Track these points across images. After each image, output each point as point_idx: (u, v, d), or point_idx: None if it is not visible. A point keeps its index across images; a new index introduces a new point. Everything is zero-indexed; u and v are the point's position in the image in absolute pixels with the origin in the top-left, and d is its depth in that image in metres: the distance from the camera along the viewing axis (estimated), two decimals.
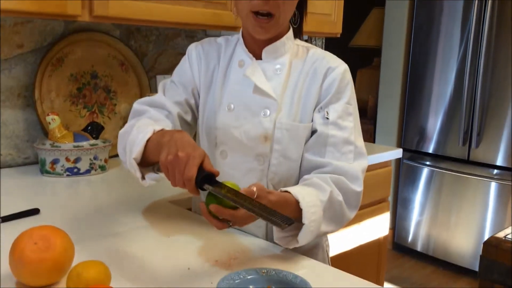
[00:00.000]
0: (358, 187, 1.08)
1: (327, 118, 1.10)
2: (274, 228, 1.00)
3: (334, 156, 1.09)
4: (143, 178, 1.02)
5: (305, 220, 0.96)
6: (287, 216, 0.85)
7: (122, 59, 1.92)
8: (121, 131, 1.11)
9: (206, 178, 0.88)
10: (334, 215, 1.05)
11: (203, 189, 0.89)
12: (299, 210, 0.96)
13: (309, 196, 0.98)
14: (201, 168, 0.88)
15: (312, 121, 1.13)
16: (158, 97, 1.20)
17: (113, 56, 1.90)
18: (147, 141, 0.99)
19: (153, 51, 2.03)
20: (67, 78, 1.78)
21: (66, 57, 1.77)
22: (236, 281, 0.85)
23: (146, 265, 0.97)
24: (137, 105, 1.19)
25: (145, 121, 1.08)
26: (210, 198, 0.90)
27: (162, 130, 1.01)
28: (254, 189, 0.89)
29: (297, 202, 0.97)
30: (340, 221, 1.08)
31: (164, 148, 0.90)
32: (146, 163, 1.03)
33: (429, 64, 3.24)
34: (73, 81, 1.80)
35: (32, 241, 0.83)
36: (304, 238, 0.98)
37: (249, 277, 0.87)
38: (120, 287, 0.78)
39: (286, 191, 0.99)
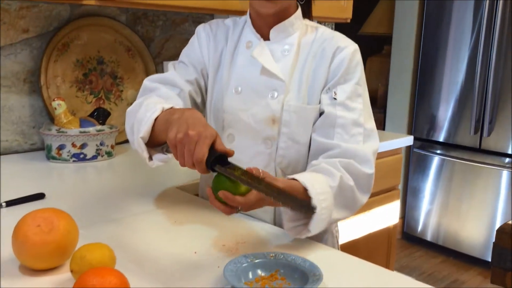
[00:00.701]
0: (369, 169, 1.04)
1: (335, 99, 1.07)
2: (284, 218, 0.96)
3: (343, 138, 1.05)
4: (150, 159, 0.97)
5: (315, 208, 0.91)
6: (305, 200, 0.80)
7: (129, 45, 1.90)
8: (129, 109, 1.06)
9: (217, 159, 0.83)
10: (346, 201, 1.01)
11: (215, 171, 0.84)
12: (308, 199, 0.92)
13: (318, 183, 0.94)
14: (212, 148, 0.83)
15: (319, 102, 1.10)
16: (170, 74, 1.15)
17: (120, 42, 1.88)
18: (156, 119, 0.94)
19: (160, 36, 2.00)
20: (73, 63, 1.76)
21: (72, 42, 1.75)
22: (244, 265, 0.83)
23: (152, 249, 0.95)
24: (148, 82, 1.14)
25: (154, 99, 1.03)
26: (217, 183, 0.85)
27: (171, 108, 0.96)
28: (260, 170, 0.86)
29: (305, 190, 0.92)
30: (352, 207, 1.04)
31: (174, 126, 0.85)
32: (155, 143, 0.98)
33: (441, 52, 3.18)
34: (79, 67, 1.78)
35: (35, 224, 0.82)
36: (316, 227, 0.93)
37: (256, 260, 0.85)
38: (124, 270, 0.76)
39: (293, 179, 0.94)
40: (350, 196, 1.02)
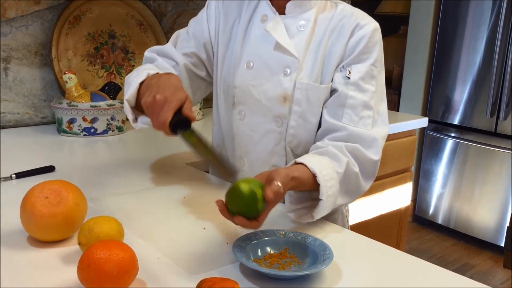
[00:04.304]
0: (375, 156, 1.01)
1: (348, 78, 1.03)
2: (286, 201, 0.95)
3: (352, 120, 1.02)
4: (135, 120, 1.02)
5: (322, 196, 0.90)
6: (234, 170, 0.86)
7: (141, 19, 1.88)
8: (127, 76, 1.09)
9: (181, 123, 0.87)
10: (350, 187, 0.99)
11: (178, 134, 0.88)
12: (316, 184, 0.90)
13: (326, 169, 0.91)
14: (178, 112, 0.87)
15: (332, 81, 1.06)
16: (166, 47, 1.17)
17: (132, 16, 1.85)
18: (142, 84, 0.98)
19: (172, 11, 1.97)
20: (85, 37, 1.74)
21: (84, 15, 1.73)
22: (253, 242, 0.82)
23: (161, 224, 0.94)
24: (148, 52, 1.18)
25: (147, 66, 1.07)
26: (231, 200, 0.80)
27: (156, 74, 0.99)
28: (281, 188, 0.81)
29: (314, 176, 0.90)
30: (355, 193, 1.02)
31: (148, 90, 0.90)
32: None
33: (458, 32, 3.11)
34: (91, 40, 1.76)
35: (43, 195, 0.81)
36: (320, 213, 0.92)
37: (266, 238, 0.84)
38: (132, 244, 0.75)
39: (302, 163, 0.92)
40: (354, 182, 1.00)
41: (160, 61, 1.13)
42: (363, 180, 1.01)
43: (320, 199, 0.90)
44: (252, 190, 0.78)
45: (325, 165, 0.92)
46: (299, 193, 0.95)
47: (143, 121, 1.01)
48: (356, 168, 0.99)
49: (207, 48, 1.17)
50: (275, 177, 0.83)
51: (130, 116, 1.01)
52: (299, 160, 0.93)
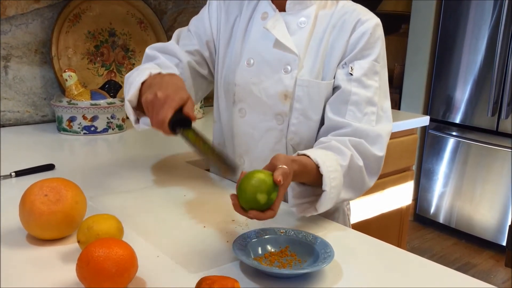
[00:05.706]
0: (379, 152, 1.01)
1: (351, 74, 1.03)
2: (289, 195, 0.94)
3: (356, 117, 1.01)
4: (137, 121, 1.01)
5: (325, 187, 0.89)
6: (234, 163, 0.82)
7: (141, 17, 1.87)
8: (127, 75, 1.08)
9: (181, 122, 0.85)
10: (354, 181, 0.98)
11: (177, 134, 0.86)
12: (319, 176, 0.89)
13: (329, 161, 0.91)
14: (179, 111, 0.85)
15: (334, 77, 1.06)
16: (170, 44, 1.16)
17: (132, 14, 1.85)
18: (143, 84, 0.96)
19: (172, 9, 1.97)
20: (85, 35, 1.74)
21: (84, 14, 1.72)
22: (253, 240, 0.81)
23: (161, 222, 0.94)
24: (149, 50, 1.16)
25: (148, 65, 1.06)
26: (242, 192, 0.78)
27: (159, 74, 0.98)
28: (287, 169, 0.80)
29: (317, 167, 0.89)
30: (359, 188, 1.01)
31: (150, 89, 0.89)
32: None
33: (459, 31, 3.10)
34: (91, 39, 1.76)
35: (43, 193, 0.81)
36: (323, 205, 0.91)
37: (266, 236, 0.83)
38: (132, 242, 0.75)
39: (304, 154, 0.91)
40: (359, 177, 0.99)
41: (162, 59, 1.11)
42: (368, 176, 1.01)
43: (324, 190, 0.89)
44: (259, 180, 0.77)
45: (328, 157, 0.92)
46: (302, 187, 0.94)
47: (145, 122, 0.99)
48: (361, 162, 0.98)
49: (209, 46, 1.16)
50: (276, 161, 0.82)
51: (132, 117, 1.00)
52: (301, 152, 0.92)
